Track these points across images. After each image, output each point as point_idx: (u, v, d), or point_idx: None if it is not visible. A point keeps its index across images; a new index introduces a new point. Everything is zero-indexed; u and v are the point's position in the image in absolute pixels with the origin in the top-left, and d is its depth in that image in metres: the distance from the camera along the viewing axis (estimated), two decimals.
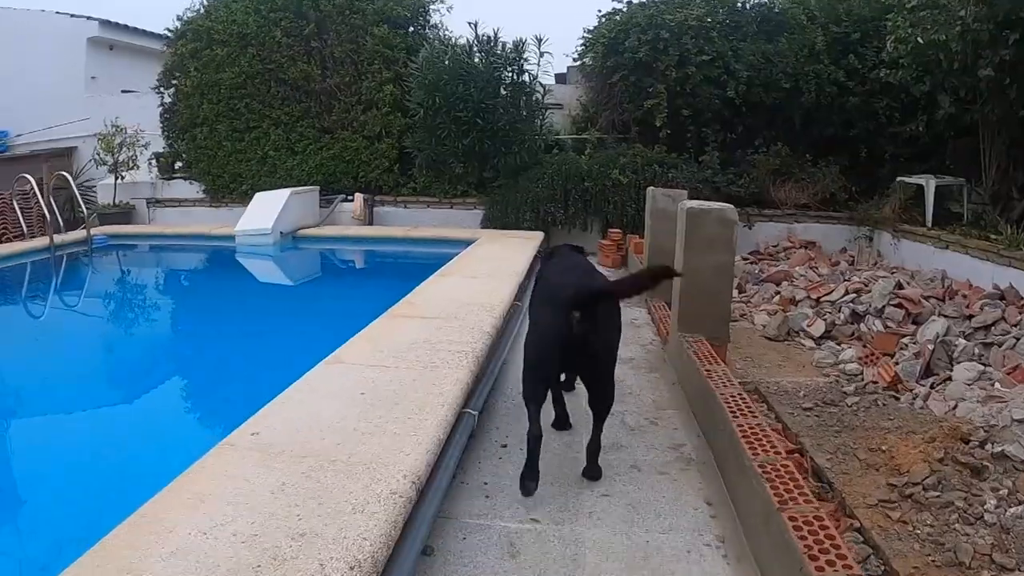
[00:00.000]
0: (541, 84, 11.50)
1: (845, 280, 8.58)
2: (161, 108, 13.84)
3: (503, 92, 11.24)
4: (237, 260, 10.74)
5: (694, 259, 5.08)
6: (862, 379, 6.65)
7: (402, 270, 10.02)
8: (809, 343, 7.58)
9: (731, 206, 5.05)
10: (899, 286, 7.96)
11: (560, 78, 14.37)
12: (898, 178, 10.76)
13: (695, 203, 5.08)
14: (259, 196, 11.32)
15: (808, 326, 7.72)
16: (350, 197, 12.11)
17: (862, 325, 7.49)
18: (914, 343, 7.05)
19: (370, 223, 11.95)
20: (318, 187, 12.17)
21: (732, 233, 5.05)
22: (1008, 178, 9.70)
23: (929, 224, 10.05)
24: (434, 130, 11.24)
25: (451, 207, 11.80)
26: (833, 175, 11.36)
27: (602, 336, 3.34)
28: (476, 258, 7.81)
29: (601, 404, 3.55)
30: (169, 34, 13.76)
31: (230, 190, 13.15)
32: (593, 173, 10.88)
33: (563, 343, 3.20)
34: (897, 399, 6.10)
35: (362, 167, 12.45)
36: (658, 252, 7.29)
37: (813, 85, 11.13)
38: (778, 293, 8.72)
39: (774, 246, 11.16)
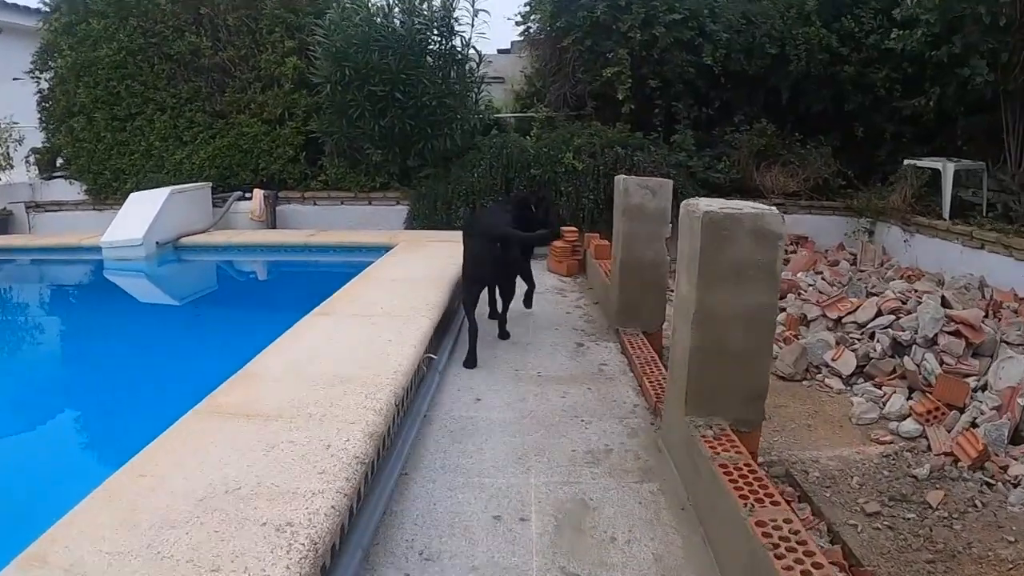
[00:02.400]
0: (476, 50, 9.40)
1: (871, 293, 6.69)
2: (38, 95, 11.39)
3: (429, 61, 9.12)
4: (106, 279, 8.47)
5: (714, 299, 3.07)
6: (927, 446, 4.78)
7: (296, 290, 7.86)
8: (836, 384, 5.70)
9: (773, 210, 3.05)
10: (944, 302, 6.10)
11: (505, 54, 12.31)
12: (906, 161, 8.97)
13: (714, 204, 3.05)
14: (133, 198, 9.05)
15: (833, 359, 5.83)
16: (248, 194, 9.89)
17: (908, 358, 5.59)
18: (984, 390, 5.18)
19: (272, 225, 9.76)
20: (210, 183, 9.92)
21: (777, 256, 3.05)
22: None
23: (947, 215, 8.27)
24: (344, 109, 9.08)
25: (369, 203, 9.65)
26: (825, 158, 9.51)
27: (510, 257, 4.97)
28: (381, 279, 5.69)
29: (507, 296, 5.28)
30: (45, 7, 11.28)
31: (113, 189, 10.78)
32: (541, 158, 8.84)
33: (491, 263, 4.85)
34: (991, 485, 4.22)
35: (262, 157, 10.22)
36: (632, 267, 5.29)
37: (803, 52, 9.23)
38: (783, 309, 6.80)
39: None
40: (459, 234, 7.48)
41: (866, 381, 5.65)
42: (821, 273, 7.76)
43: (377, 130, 8.96)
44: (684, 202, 3.26)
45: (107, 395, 5.10)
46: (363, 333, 4.00)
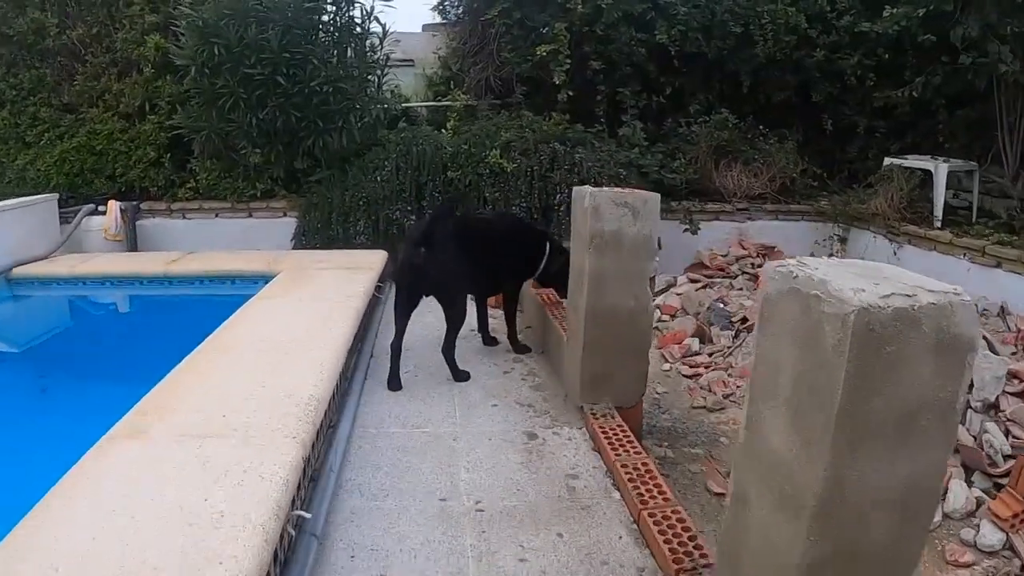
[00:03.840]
0: (380, 23, 7.64)
1: None
2: None
3: (321, 36, 7.35)
4: None
5: (858, 470, 1.51)
6: (1021, 566, 3.40)
7: (146, 343, 5.89)
8: None
9: (961, 294, 1.55)
10: (989, 346, 4.77)
11: (416, 35, 10.55)
12: (888, 160, 7.75)
13: (863, 278, 1.50)
14: None
15: None
16: (103, 207, 7.87)
17: (962, 428, 4.22)
18: None
19: (133, 246, 7.79)
20: (56, 195, 7.82)
21: (963, 379, 1.53)
22: None
23: (939, 223, 7.09)
24: (214, 98, 7.23)
25: (250, 215, 7.80)
26: (790, 154, 8.20)
27: (437, 262, 4.06)
28: (241, 343, 3.88)
29: (449, 321, 4.27)
30: None
31: None
32: (460, 156, 7.20)
33: (412, 269, 4.15)
34: None
35: (119, 160, 8.19)
36: (605, 320, 3.72)
37: (769, 32, 7.88)
38: None
39: (723, 255, 7.88)
40: (360, 257, 6.07)
41: None
42: None
43: (255, 124, 7.13)
44: (780, 267, 1.70)
45: None
46: (179, 490, 2.28)
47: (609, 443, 3.41)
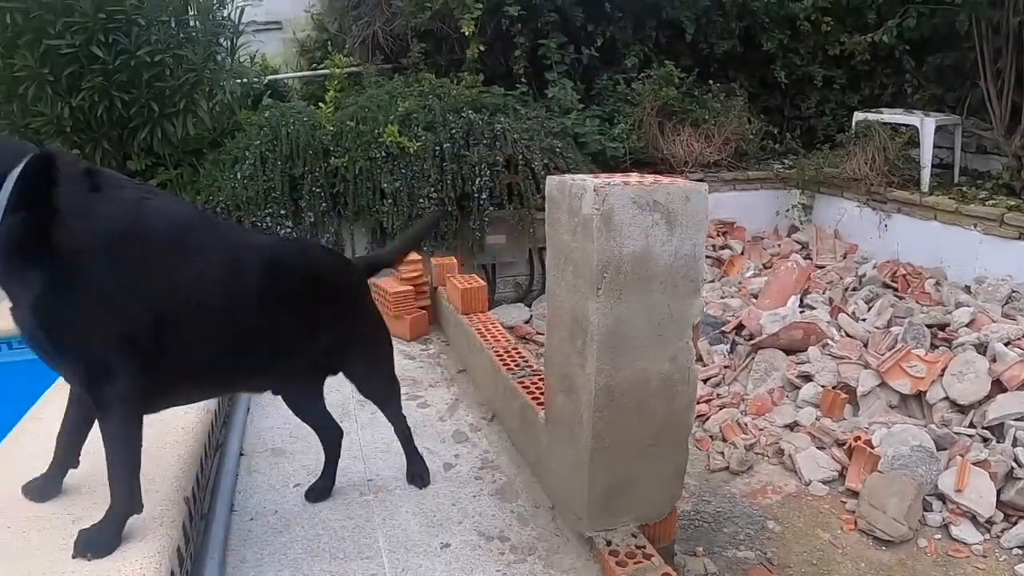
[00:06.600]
0: None
1: (941, 337, 4.04)
2: None
3: None
4: None
5: None
6: None
7: None
8: (971, 534, 3.08)
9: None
10: None
11: None
12: (860, 115, 6.68)
13: None
14: None
15: (958, 489, 3.13)
16: None
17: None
18: None
19: None
20: None
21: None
22: None
23: (926, 187, 6.06)
24: (14, 84, 5.28)
25: None
26: (742, 113, 6.94)
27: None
28: None
29: None
30: None
31: None
32: (346, 137, 5.52)
33: None
34: None
35: None
36: (624, 399, 2.21)
37: None
38: (808, 377, 4.04)
39: None
40: None
41: (1012, 519, 3.01)
42: (830, 298, 5.04)
43: (68, 115, 5.22)
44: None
45: None
46: None
47: None
